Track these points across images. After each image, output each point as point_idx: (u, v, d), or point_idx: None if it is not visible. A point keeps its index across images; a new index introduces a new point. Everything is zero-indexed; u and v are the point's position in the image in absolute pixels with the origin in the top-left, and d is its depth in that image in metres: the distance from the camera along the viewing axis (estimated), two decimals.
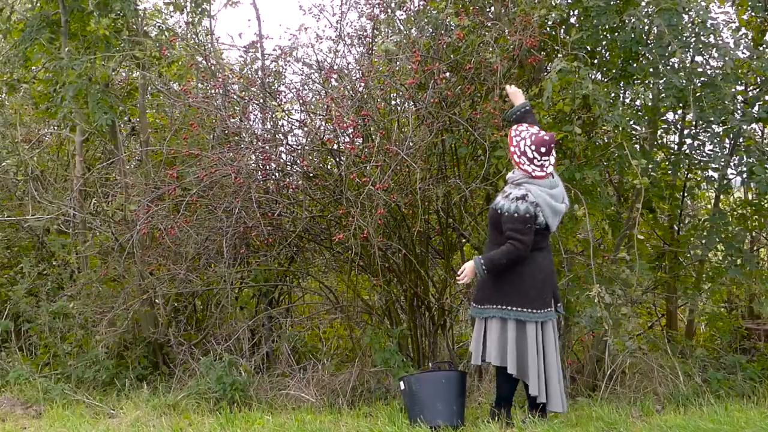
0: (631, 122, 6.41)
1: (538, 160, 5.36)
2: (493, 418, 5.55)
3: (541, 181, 5.36)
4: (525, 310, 5.33)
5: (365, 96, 6.46)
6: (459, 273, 5.41)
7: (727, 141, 6.63)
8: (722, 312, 7.60)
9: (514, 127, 5.49)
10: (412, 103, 6.56)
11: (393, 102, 6.92)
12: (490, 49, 6.08)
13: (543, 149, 5.35)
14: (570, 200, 5.83)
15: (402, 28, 6.72)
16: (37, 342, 7.63)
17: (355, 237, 6.07)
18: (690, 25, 6.21)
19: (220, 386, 6.31)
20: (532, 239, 5.28)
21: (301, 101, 6.86)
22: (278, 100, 6.98)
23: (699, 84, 6.25)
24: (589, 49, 6.42)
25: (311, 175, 6.80)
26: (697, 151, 6.88)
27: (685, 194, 7.12)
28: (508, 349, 5.34)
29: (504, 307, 5.34)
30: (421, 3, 6.74)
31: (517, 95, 5.82)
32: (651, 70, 6.30)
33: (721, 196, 7.34)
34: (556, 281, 5.56)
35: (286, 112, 7.07)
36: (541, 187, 5.34)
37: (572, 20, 6.67)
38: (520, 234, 5.23)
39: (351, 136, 6.48)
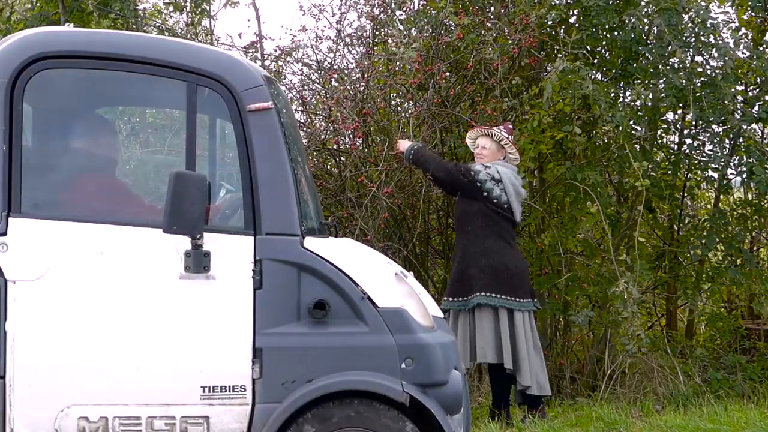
0: (631, 122, 6.42)
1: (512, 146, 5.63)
2: (492, 418, 5.55)
3: (513, 165, 5.58)
4: (514, 299, 5.39)
5: (366, 96, 6.46)
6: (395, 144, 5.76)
7: (727, 141, 6.63)
8: (722, 312, 7.60)
9: (499, 128, 5.62)
10: (412, 103, 6.56)
11: (393, 102, 6.91)
12: (489, 49, 6.07)
13: (511, 136, 5.64)
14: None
15: (402, 28, 6.71)
16: None
17: (357, 239, 6.06)
18: (690, 25, 6.22)
19: None
20: (467, 184, 5.42)
21: (301, 101, 6.85)
22: None
23: (699, 84, 6.25)
24: (589, 49, 6.42)
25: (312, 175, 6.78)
26: (697, 151, 6.88)
27: (685, 194, 7.12)
28: (503, 343, 5.34)
29: (492, 294, 5.36)
30: (422, 3, 6.73)
31: (404, 144, 5.78)
32: (651, 70, 6.30)
33: (721, 196, 7.34)
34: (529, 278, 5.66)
35: None
36: (512, 169, 5.54)
37: (572, 20, 6.67)
38: (461, 171, 5.44)
39: (353, 135, 6.48)
